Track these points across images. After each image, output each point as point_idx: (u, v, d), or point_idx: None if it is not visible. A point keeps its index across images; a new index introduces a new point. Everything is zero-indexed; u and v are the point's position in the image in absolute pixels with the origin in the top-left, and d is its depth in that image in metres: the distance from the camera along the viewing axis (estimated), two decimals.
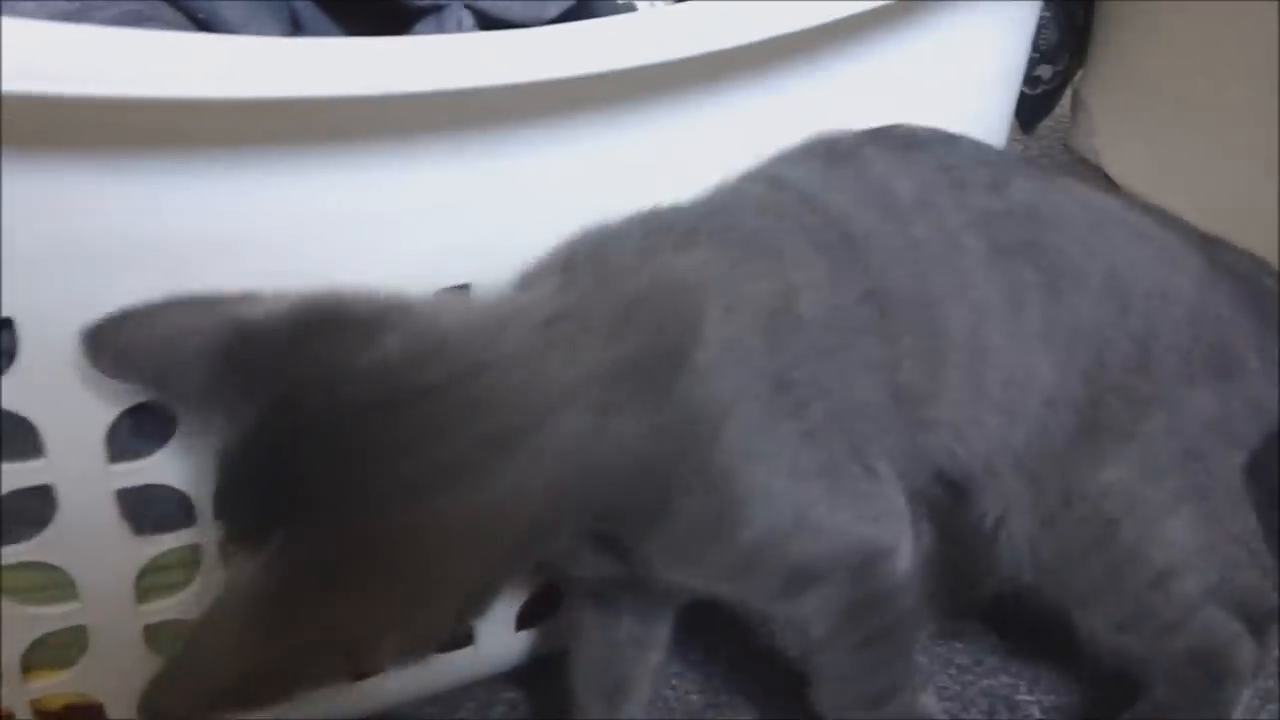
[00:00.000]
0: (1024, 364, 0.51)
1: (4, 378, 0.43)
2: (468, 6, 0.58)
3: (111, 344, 0.42)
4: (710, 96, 0.49)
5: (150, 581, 0.50)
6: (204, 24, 0.54)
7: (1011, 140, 0.64)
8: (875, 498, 0.48)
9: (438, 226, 0.47)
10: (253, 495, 0.38)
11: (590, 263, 0.46)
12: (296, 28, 0.59)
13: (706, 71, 0.48)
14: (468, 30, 0.58)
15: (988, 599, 0.60)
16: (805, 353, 0.46)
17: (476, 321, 0.41)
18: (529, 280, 0.47)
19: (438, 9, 0.58)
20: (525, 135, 0.46)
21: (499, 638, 0.60)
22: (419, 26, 0.58)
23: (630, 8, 0.75)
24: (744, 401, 0.44)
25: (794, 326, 0.46)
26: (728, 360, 0.44)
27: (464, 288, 0.48)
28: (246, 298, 0.41)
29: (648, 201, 0.49)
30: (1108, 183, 1.15)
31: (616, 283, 0.44)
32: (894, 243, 0.49)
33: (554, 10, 0.63)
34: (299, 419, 0.37)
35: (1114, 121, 1.15)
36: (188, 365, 0.40)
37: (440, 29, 0.58)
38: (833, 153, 0.52)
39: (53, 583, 0.49)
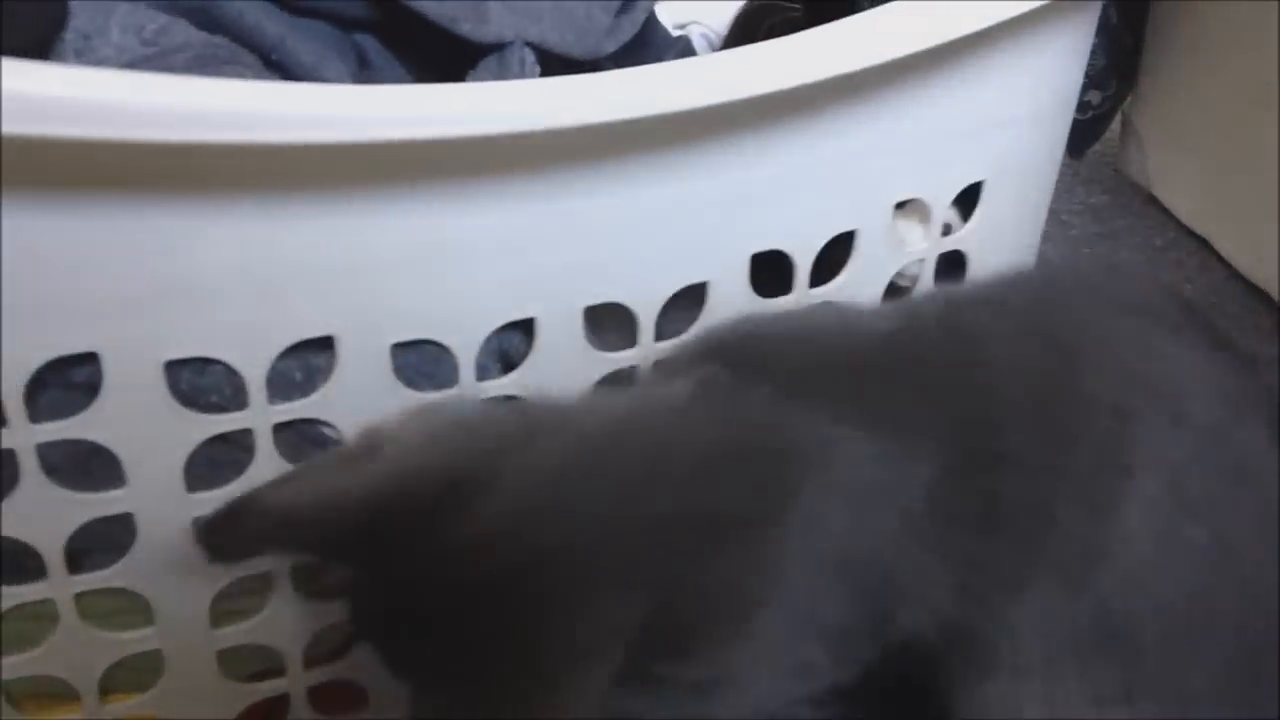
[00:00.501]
0: None
1: (90, 409, 0.44)
2: (528, 44, 0.60)
3: (229, 533, 0.42)
4: (786, 133, 0.50)
5: (224, 607, 0.51)
6: (277, 64, 0.55)
7: (1062, 166, 0.65)
8: None
9: (510, 261, 0.48)
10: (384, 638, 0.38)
11: (724, 389, 0.42)
12: (363, 65, 0.61)
13: (779, 109, 0.49)
14: (530, 67, 0.60)
15: None
16: None
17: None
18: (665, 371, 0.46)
19: (501, 47, 0.59)
20: (596, 173, 0.47)
21: None
22: (482, 63, 0.60)
23: (684, 40, 0.76)
24: None
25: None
26: None
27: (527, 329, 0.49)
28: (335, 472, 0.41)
29: (723, 244, 0.50)
30: (1157, 207, 1.15)
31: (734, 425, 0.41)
32: None
33: (612, 46, 0.65)
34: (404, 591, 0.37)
35: (1164, 146, 1.14)
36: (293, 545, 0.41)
37: (503, 66, 0.59)
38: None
39: (130, 608, 0.50)
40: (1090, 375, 0.42)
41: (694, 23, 0.85)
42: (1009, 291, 0.47)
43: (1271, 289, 1.00)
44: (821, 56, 0.47)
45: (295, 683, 0.54)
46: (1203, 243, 1.09)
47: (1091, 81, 0.99)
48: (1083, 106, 0.97)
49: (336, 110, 0.40)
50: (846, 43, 0.48)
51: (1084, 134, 1.03)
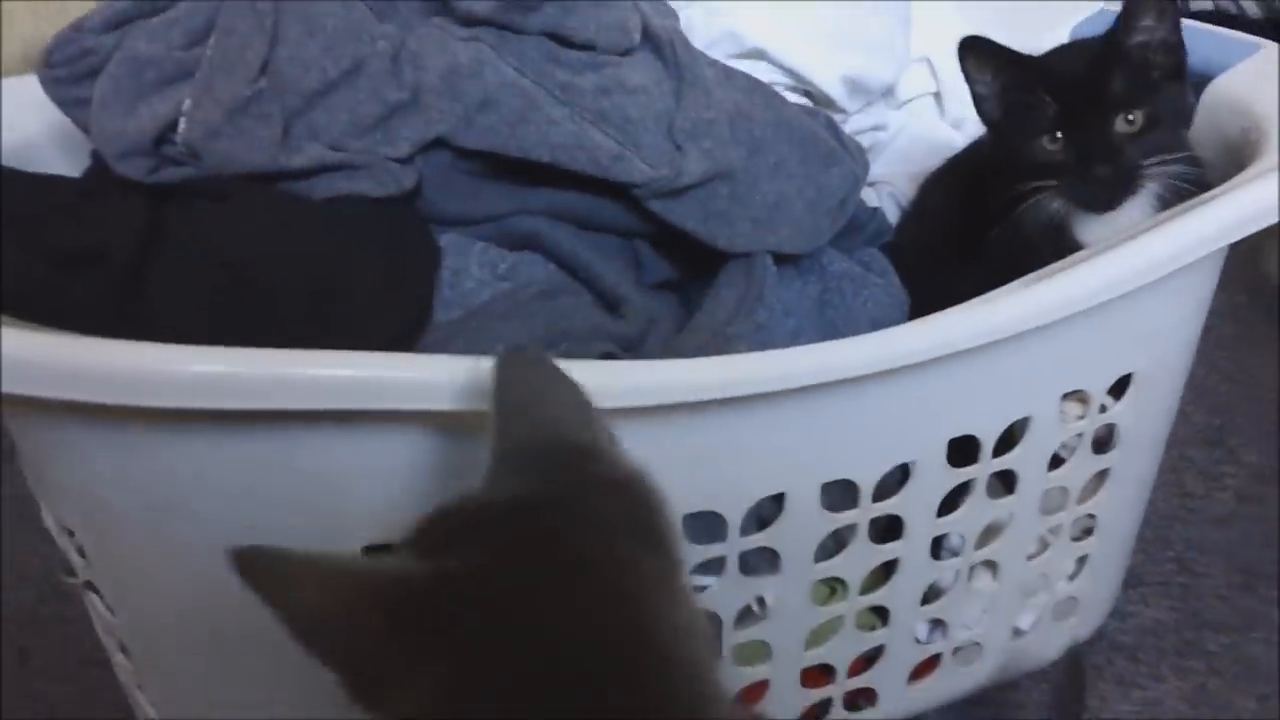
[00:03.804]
0: None
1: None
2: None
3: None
4: (981, 354, 0.64)
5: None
6: (584, 280, 0.73)
7: None
8: None
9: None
10: None
11: None
12: (638, 266, 0.78)
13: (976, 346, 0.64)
14: (767, 268, 0.76)
15: None
16: None
17: None
18: None
19: (748, 255, 0.76)
20: (839, 395, 0.63)
21: None
22: (731, 264, 0.77)
23: (880, 213, 0.91)
24: None
25: None
26: None
27: None
28: None
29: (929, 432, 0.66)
30: None
31: None
32: None
33: (829, 238, 0.81)
34: None
35: None
36: None
37: (750, 267, 0.76)
38: None
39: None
40: None
41: (881, 181, 1.00)
42: None
43: None
44: (1013, 316, 0.63)
45: None
46: None
47: None
48: None
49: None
50: (1057, 293, 0.63)
51: None
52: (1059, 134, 0.75)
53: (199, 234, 0.63)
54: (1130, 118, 0.73)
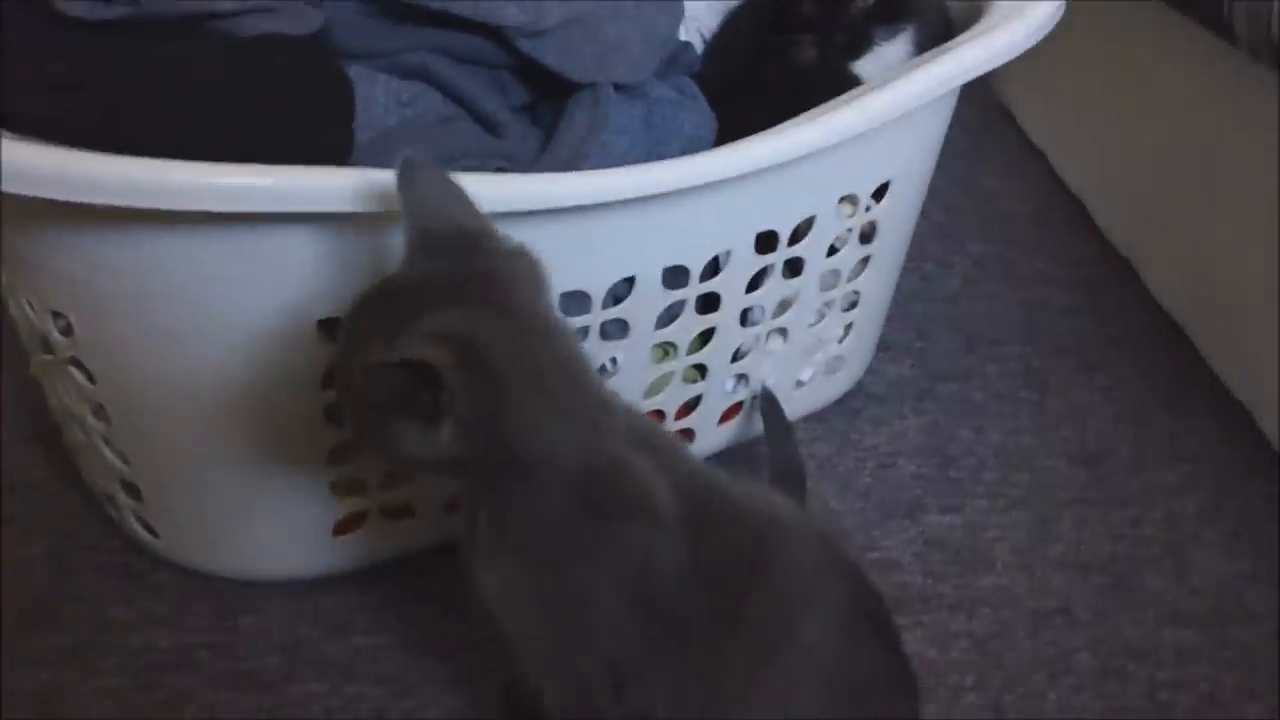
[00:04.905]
0: None
1: None
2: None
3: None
4: (786, 167, 0.85)
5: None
6: (468, 110, 0.89)
7: None
8: None
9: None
10: None
11: None
12: (505, 92, 0.94)
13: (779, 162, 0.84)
14: (609, 96, 0.93)
15: None
16: None
17: None
18: None
19: (594, 85, 0.93)
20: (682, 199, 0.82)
21: None
22: (578, 94, 0.93)
23: (690, 47, 1.09)
24: None
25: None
26: None
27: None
28: None
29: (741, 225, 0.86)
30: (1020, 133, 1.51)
31: None
32: None
33: (653, 72, 0.98)
34: None
35: (1021, 73, 1.51)
36: None
37: (595, 97, 0.93)
38: None
39: None
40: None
41: (690, 18, 1.17)
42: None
43: (1087, 200, 1.39)
44: (802, 142, 0.83)
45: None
46: (1043, 158, 1.48)
47: None
48: None
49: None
50: (837, 124, 0.83)
51: None
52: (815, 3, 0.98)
53: (156, 67, 0.75)
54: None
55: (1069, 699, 0.90)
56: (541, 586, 0.65)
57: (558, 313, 0.68)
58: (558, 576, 0.65)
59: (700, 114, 1.01)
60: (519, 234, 0.68)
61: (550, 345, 0.65)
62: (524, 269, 0.67)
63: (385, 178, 0.69)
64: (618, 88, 0.95)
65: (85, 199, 0.65)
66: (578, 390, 0.65)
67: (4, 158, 0.64)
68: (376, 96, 0.84)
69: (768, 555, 0.67)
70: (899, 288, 1.11)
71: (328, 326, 0.76)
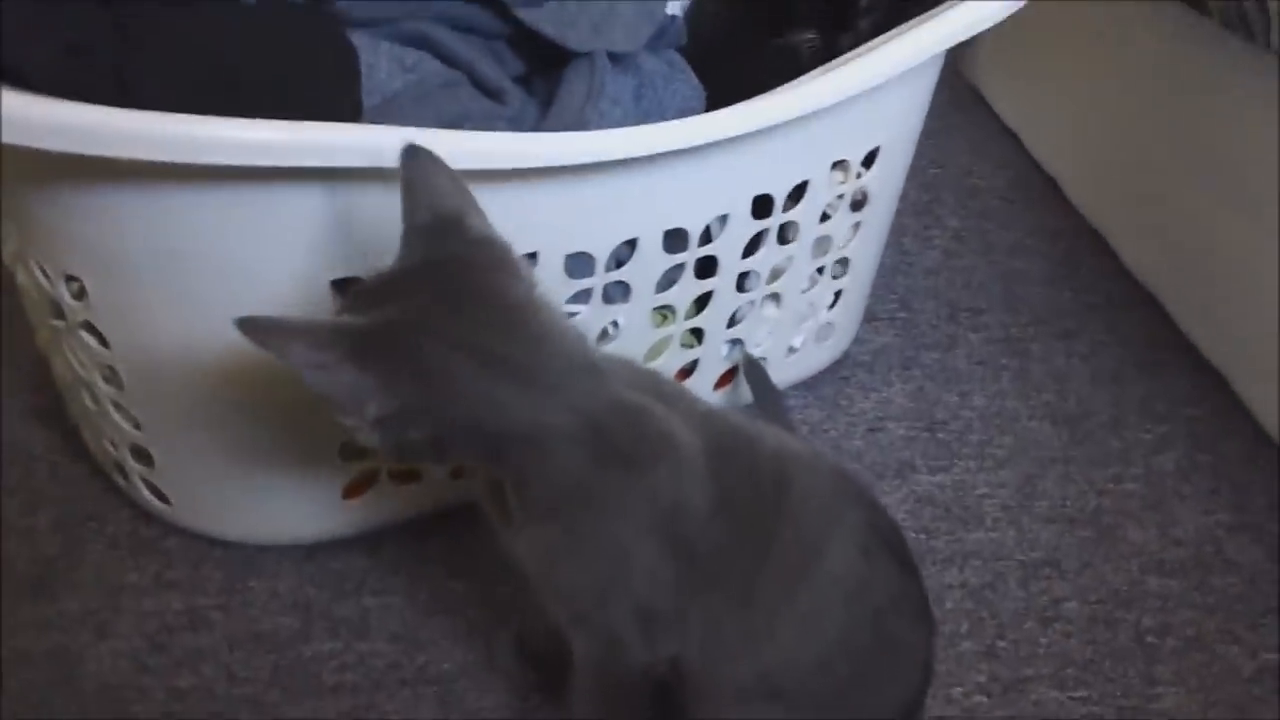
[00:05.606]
0: None
1: None
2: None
3: None
4: (779, 131, 0.87)
5: None
6: (469, 77, 0.90)
7: None
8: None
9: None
10: None
11: None
12: (501, 62, 0.95)
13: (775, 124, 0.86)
14: (604, 65, 0.95)
15: None
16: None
17: None
18: None
19: (590, 54, 0.95)
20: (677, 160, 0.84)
21: None
22: (575, 62, 0.95)
23: (677, 21, 1.12)
24: None
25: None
26: None
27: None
28: None
29: (738, 190, 0.89)
30: (990, 114, 1.55)
31: None
32: None
33: (645, 41, 1.01)
34: None
35: (993, 54, 1.54)
36: None
37: (591, 66, 0.95)
38: None
39: None
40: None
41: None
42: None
43: (1058, 175, 1.43)
44: (799, 104, 0.85)
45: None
46: (1014, 138, 1.51)
47: None
48: None
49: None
50: (824, 89, 0.86)
51: None
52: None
53: (167, 33, 0.76)
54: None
55: (1060, 644, 0.93)
56: (578, 546, 0.67)
57: (540, 293, 0.68)
58: (593, 533, 0.66)
59: (690, 87, 1.03)
60: (524, 196, 0.70)
61: (523, 321, 0.65)
62: (494, 255, 0.67)
63: (398, 135, 0.71)
64: (611, 59, 0.98)
65: (112, 153, 0.66)
66: (562, 357, 0.65)
67: (34, 114, 0.65)
68: (380, 63, 0.86)
69: (788, 486, 0.69)
70: (881, 263, 1.14)
71: (340, 287, 0.77)
